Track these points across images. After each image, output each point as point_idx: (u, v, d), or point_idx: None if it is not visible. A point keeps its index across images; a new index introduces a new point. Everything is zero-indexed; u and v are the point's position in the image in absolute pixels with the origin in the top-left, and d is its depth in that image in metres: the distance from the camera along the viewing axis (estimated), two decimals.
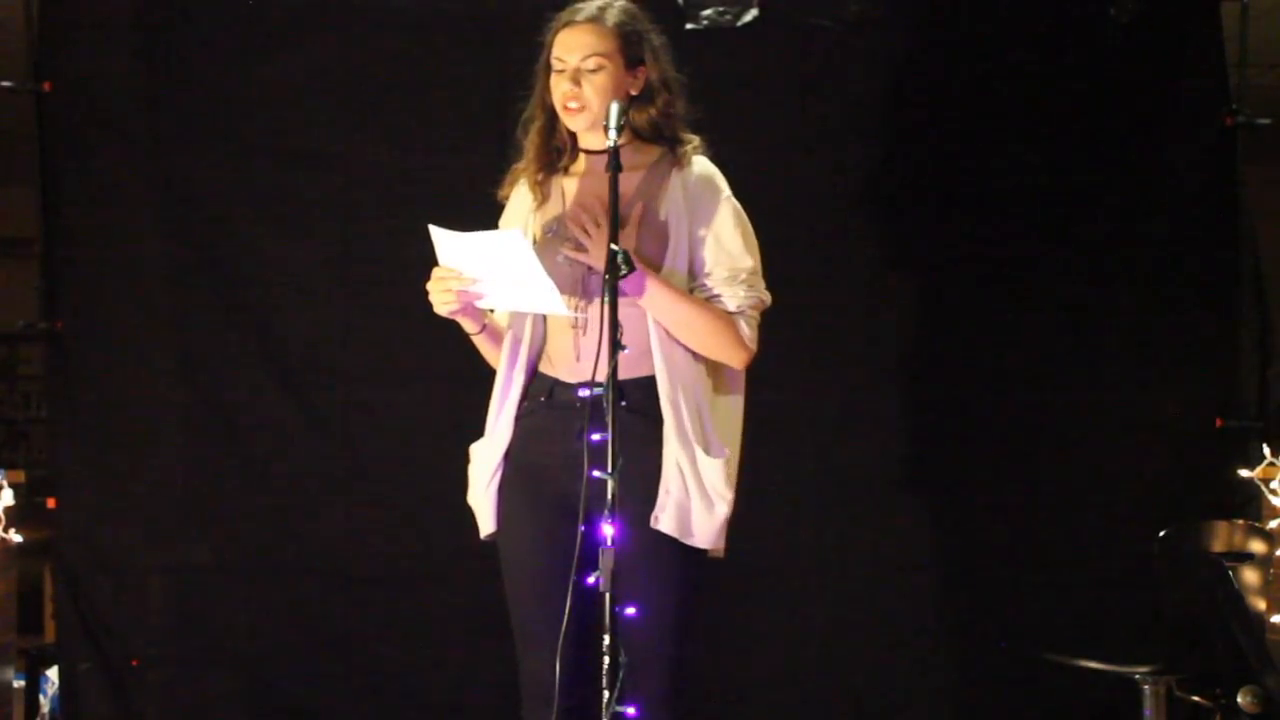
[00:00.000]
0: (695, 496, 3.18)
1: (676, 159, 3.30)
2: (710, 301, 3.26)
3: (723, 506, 3.20)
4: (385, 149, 4.64)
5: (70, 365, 4.63)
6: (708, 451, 3.20)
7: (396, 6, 4.64)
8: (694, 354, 3.24)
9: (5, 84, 4.63)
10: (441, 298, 3.24)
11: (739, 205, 3.33)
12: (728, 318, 3.25)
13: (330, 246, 4.65)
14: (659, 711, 3.15)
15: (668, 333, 3.21)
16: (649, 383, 3.22)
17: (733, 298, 3.26)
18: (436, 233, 3.17)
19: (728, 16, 4.64)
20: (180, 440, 4.62)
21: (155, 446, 4.63)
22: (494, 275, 3.17)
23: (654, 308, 3.20)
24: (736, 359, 3.27)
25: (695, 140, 3.34)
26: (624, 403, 3.17)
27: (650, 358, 3.22)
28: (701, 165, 3.33)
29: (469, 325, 3.35)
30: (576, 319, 3.22)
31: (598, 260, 3.14)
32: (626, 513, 3.08)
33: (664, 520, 3.17)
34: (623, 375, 3.17)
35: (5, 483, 4.54)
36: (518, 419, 3.31)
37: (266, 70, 4.63)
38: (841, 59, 4.63)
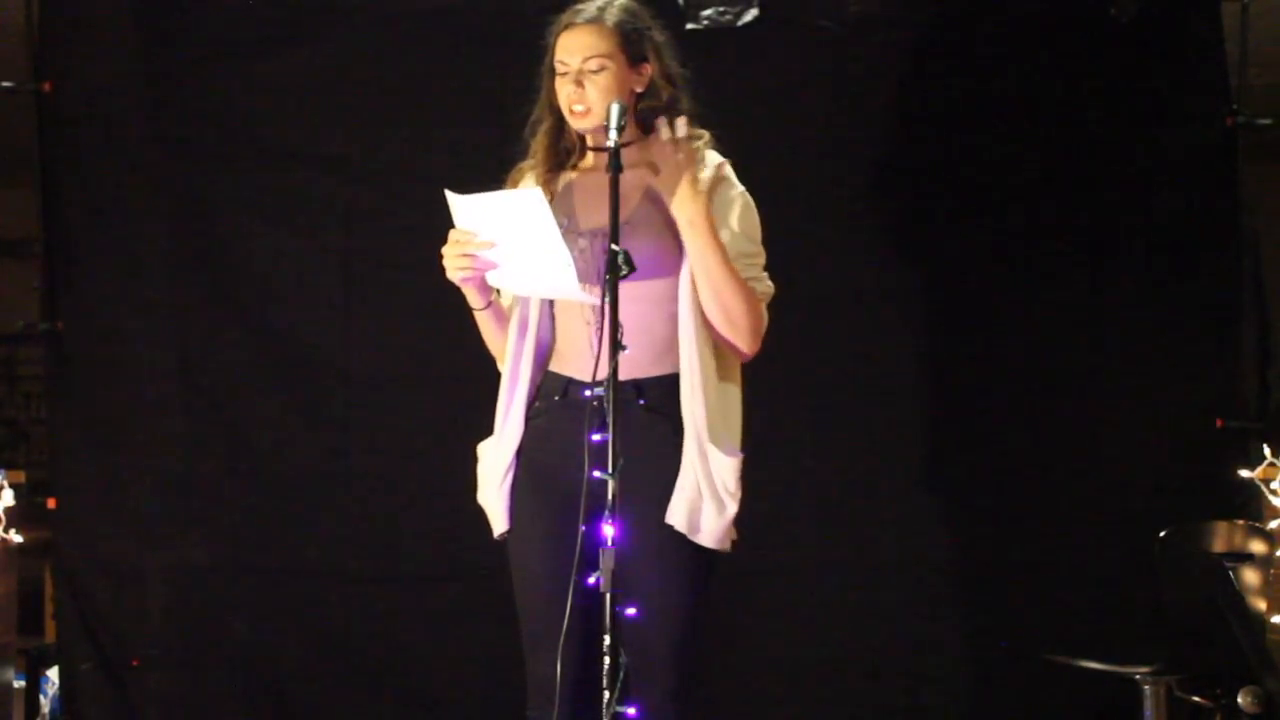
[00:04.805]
0: (706, 495, 3.18)
1: None
2: None
3: (732, 506, 3.20)
4: (385, 148, 4.64)
5: (70, 365, 4.63)
6: (721, 450, 3.19)
7: (396, 6, 4.64)
8: (712, 350, 3.24)
9: (5, 84, 4.63)
10: (456, 262, 3.19)
11: (750, 198, 3.33)
12: (757, 297, 3.25)
13: (330, 246, 4.65)
14: (666, 711, 3.16)
15: (696, 329, 3.20)
16: (669, 380, 3.22)
17: (755, 283, 3.27)
18: (453, 198, 3.14)
19: (728, 17, 4.64)
20: (180, 440, 4.62)
21: (155, 446, 4.63)
22: (510, 241, 3.13)
23: (705, 260, 3.16)
24: (751, 344, 3.26)
25: (705, 135, 3.33)
26: (642, 401, 3.19)
27: (670, 356, 3.22)
28: (714, 159, 3.32)
29: (475, 299, 3.32)
30: (593, 305, 3.20)
31: (667, 179, 3.14)
32: (641, 513, 3.10)
33: (674, 515, 3.17)
34: (642, 374, 3.20)
35: (5, 483, 4.54)
36: (529, 418, 3.31)
37: (266, 70, 4.64)
38: (841, 59, 4.64)
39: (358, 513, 4.60)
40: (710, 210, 3.18)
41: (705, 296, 3.20)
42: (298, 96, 4.65)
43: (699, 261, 3.18)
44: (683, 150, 3.17)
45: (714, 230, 3.18)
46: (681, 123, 3.17)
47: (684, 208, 3.16)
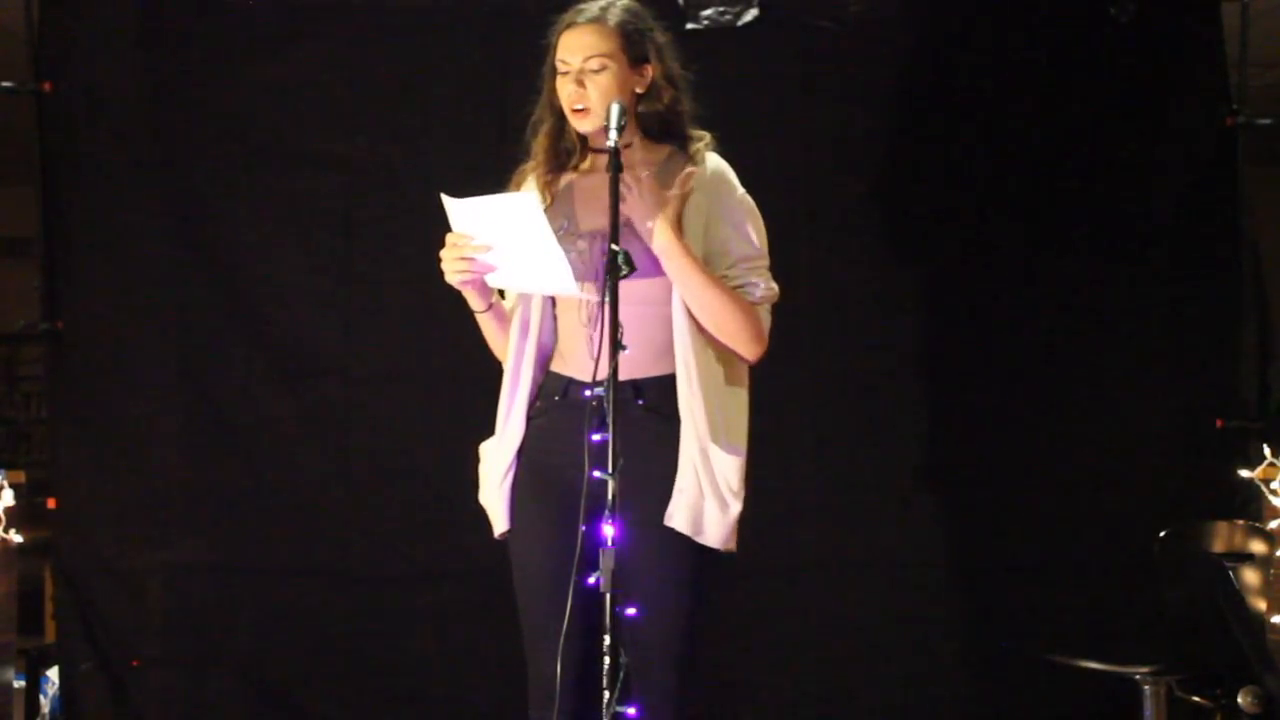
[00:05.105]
0: (709, 495, 3.17)
1: (689, 155, 3.30)
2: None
3: (736, 505, 3.20)
4: (385, 149, 4.64)
5: (70, 365, 4.63)
6: (723, 449, 3.19)
7: (396, 6, 4.64)
8: (714, 351, 3.24)
9: (5, 84, 4.63)
10: (454, 265, 3.20)
11: (751, 200, 3.33)
12: (751, 306, 3.25)
13: (330, 246, 4.65)
14: (666, 711, 3.15)
15: (690, 330, 3.20)
16: (669, 380, 3.21)
17: (755, 288, 3.27)
18: (449, 202, 3.15)
19: (728, 16, 4.64)
20: (180, 440, 4.62)
21: (155, 446, 4.63)
22: (507, 244, 3.14)
23: (685, 283, 3.18)
24: (753, 350, 3.26)
25: (706, 136, 3.34)
26: (641, 401, 3.20)
27: (669, 356, 3.22)
28: (715, 161, 3.32)
29: (476, 302, 3.32)
30: (587, 300, 3.20)
31: (633, 209, 3.15)
32: (641, 512, 3.10)
33: (676, 517, 3.17)
34: (641, 374, 3.20)
35: (5, 483, 4.53)
36: (530, 418, 3.31)
37: (267, 71, 4.64)
38: (842, 59, 4.64)
39: (358, 513, 4.60)
40: (682, 234, 3.17)
41: (696, 313, 3.20)
42: (298, 96, 4.65)
43: (681, 285, 3.18)
44: (648, 181, 3.18)
45: (689, 253, 3.17)
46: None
47: (656, 238, 3.16)
